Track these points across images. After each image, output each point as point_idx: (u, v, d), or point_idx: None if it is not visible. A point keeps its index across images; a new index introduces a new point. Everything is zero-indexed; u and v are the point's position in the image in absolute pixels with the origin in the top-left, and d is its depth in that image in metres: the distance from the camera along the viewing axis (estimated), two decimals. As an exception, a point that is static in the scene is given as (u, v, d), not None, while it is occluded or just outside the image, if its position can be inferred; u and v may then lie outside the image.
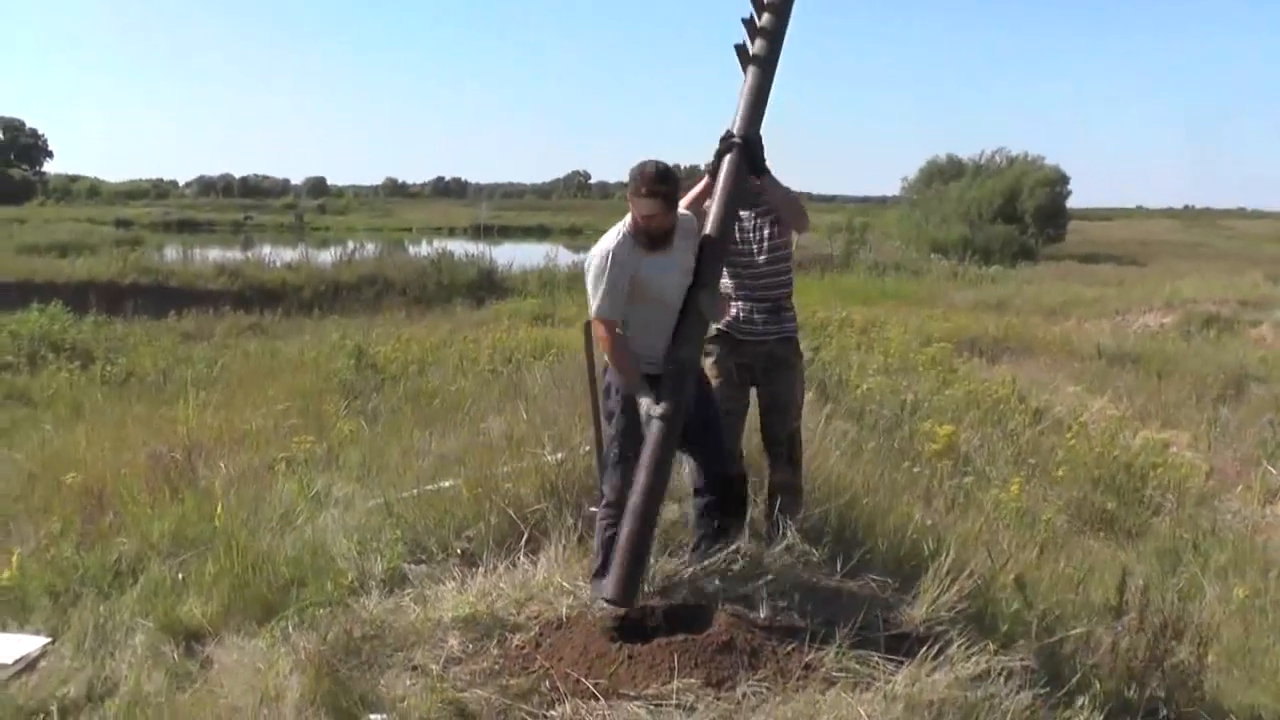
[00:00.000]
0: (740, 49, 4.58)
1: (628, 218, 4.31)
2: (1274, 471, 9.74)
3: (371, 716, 3.51)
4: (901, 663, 3.54)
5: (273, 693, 3.68)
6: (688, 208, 4.57)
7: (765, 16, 4.58)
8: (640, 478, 4.05)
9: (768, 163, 4.61)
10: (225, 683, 3.97)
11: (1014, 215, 51.58)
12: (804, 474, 5.16)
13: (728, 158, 4.49)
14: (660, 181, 4.14)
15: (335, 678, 3.60)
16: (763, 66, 4.55)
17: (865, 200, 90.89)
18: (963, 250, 42.59)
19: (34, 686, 4.35)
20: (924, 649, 3.54)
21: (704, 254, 4.37)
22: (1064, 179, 54.31)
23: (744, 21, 4.60)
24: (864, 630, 3.79)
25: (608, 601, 3.96)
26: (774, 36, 4.57)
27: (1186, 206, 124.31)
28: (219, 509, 5.45)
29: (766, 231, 4.88)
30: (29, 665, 4.57)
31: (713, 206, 4.49)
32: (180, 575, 5.12)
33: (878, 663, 3.55)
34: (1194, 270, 35.79)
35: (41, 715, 4.03)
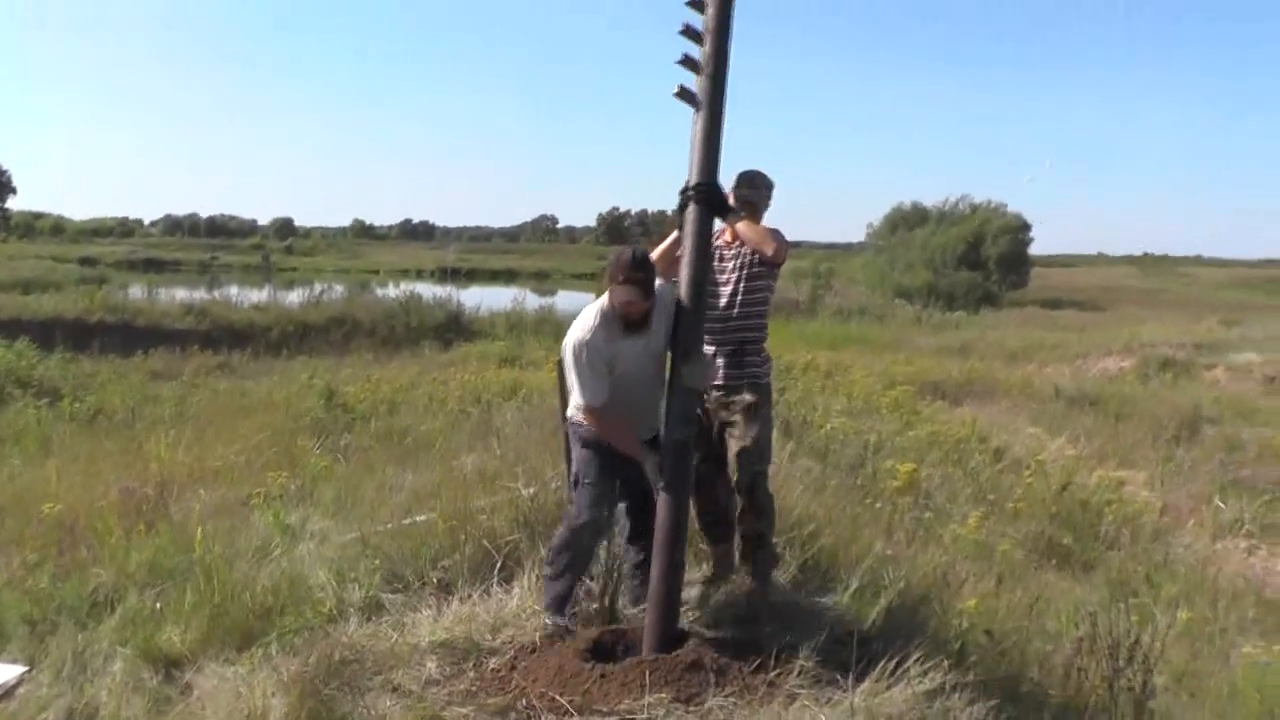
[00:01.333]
0: (683, 93, 4.37)
1: (604, 299, 4.37)
2: (1223, 508, 10.00)
3: None
4: (861, 679, 3.70)
5: (257, 713, 3.78)
6: (658, 260, 4.54)
7: (707, 59, 4.34)
8: (655, 562, 4.11)
9: (732, 204, 4.53)
10: (207, 706, 4.06)
11: (978, 262, 52.32)
12: (770, 522, 4.86)
13: (689, 212, 4.32)
14: (637, 269, 4.19)
15: (318, 698, 3.72)
16: (710, 109, 4.32)
17: (831, 246, 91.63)
18: (927, 296, 43.26)
19: (13, 713, 4.40)
20: (882, 664, 3.71)
21: (680, 323, 4.29)
22: (1026, 226, 55.26)
23: (681, 63, 4.37)
24: (826, 650, 3.95)
25: None
26: (716, 78, 4.33)
27: (1146, 254, 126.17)
28: (198, 538, 5.53)
29: (735, 275, 4.80)
30: (7, 693, 4.62)
31: (682, 270, 4.33)
32: (158, 605, 5.19)
33: (838, 679, 3.71)
34: (1153, 316, 36.50)
35: (23, 739, 4.12)
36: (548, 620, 4.42)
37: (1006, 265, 53.14)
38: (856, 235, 64.34)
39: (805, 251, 76.80)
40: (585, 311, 4.44)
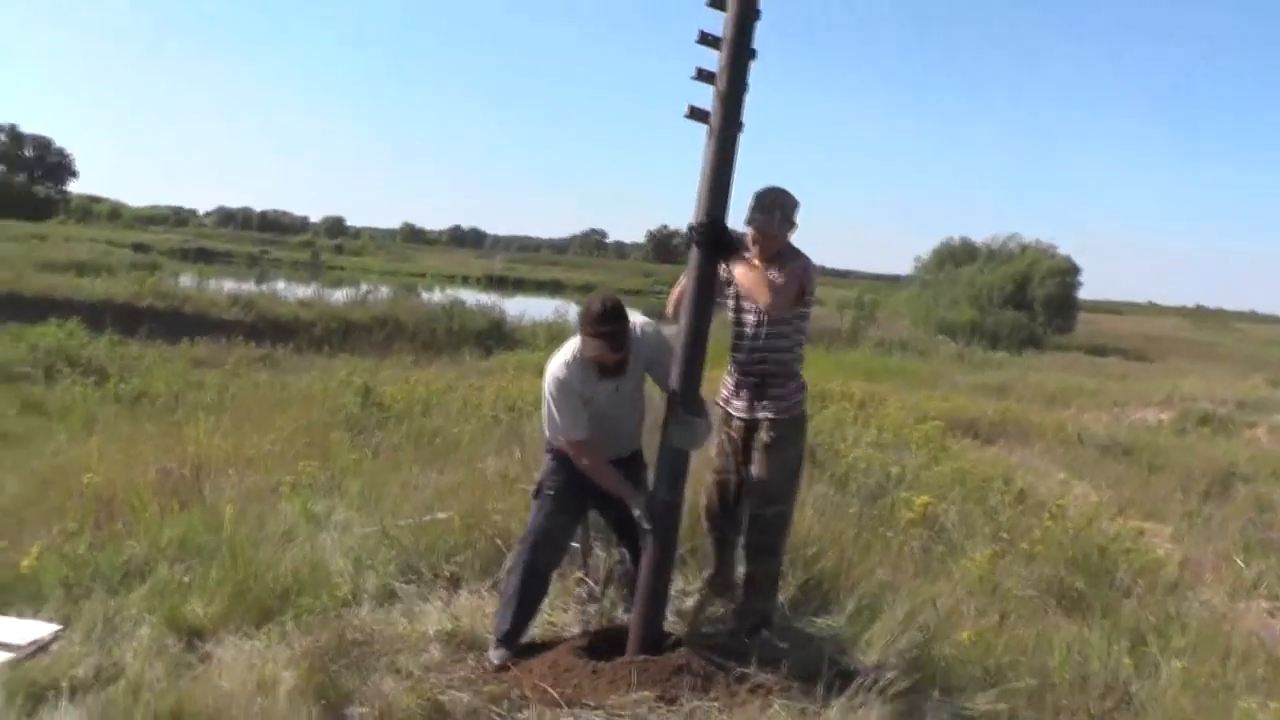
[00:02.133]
0: (694, 113, 4.11)
1: (578, 340, 4.34)
2: (1244, 566, 9.99)
3: None
4: (841, 693, 3.85)
5: (268, 682, 4.00)
6: (679, 296, 4.45)
7: (721, 70, 4.05)
8: (634, 616, 4.17)
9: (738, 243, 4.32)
10: (223, 673, 4.28)
11: (1024, 302, 51.99)
12: (773, 570, 4.69)
13: (691, 254, 4.14)
14: (603, 321, 4.12)
15: (326, 673, 3.94)
16: (721, 134, 4.04)
17: (878, 277, 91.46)
18: (970, 334, 43.04)
19: (46, 666, 4.65)
20: (860, 679, 3.86)
21: (675, 376, 4.21)
22: (1075, 269, 54.76)
23: (696, 78, 4.10)
24: (812, 665, 4.11)
25: None
26: (730, 97, 4.03)
27: (1198, 305, 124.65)
28: (227, 519, 5.79)
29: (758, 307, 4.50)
30: (42, 648, 4.89)
31: (681, 318, 4.21)
32: (186, 578, 5.45)
33: (819, 693, 3.86)
34: (1199, 369, 36.10)
35: (53, 691, 4.35)
36: (491, 654, 4.32)
37: (1053, 308, 52.75)
38: (904, 267, 64.06)
39: (851, 282, 76.75)
40: (565, 347, 4.43)
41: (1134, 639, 7.47)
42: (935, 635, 5.06)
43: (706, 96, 4.16)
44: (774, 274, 4.42)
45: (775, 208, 4.47)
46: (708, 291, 4.21)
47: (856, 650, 4.54)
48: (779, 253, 4.51)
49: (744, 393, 4.66)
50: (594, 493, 4.52)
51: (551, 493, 4.51)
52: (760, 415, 4.60)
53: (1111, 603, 8.49)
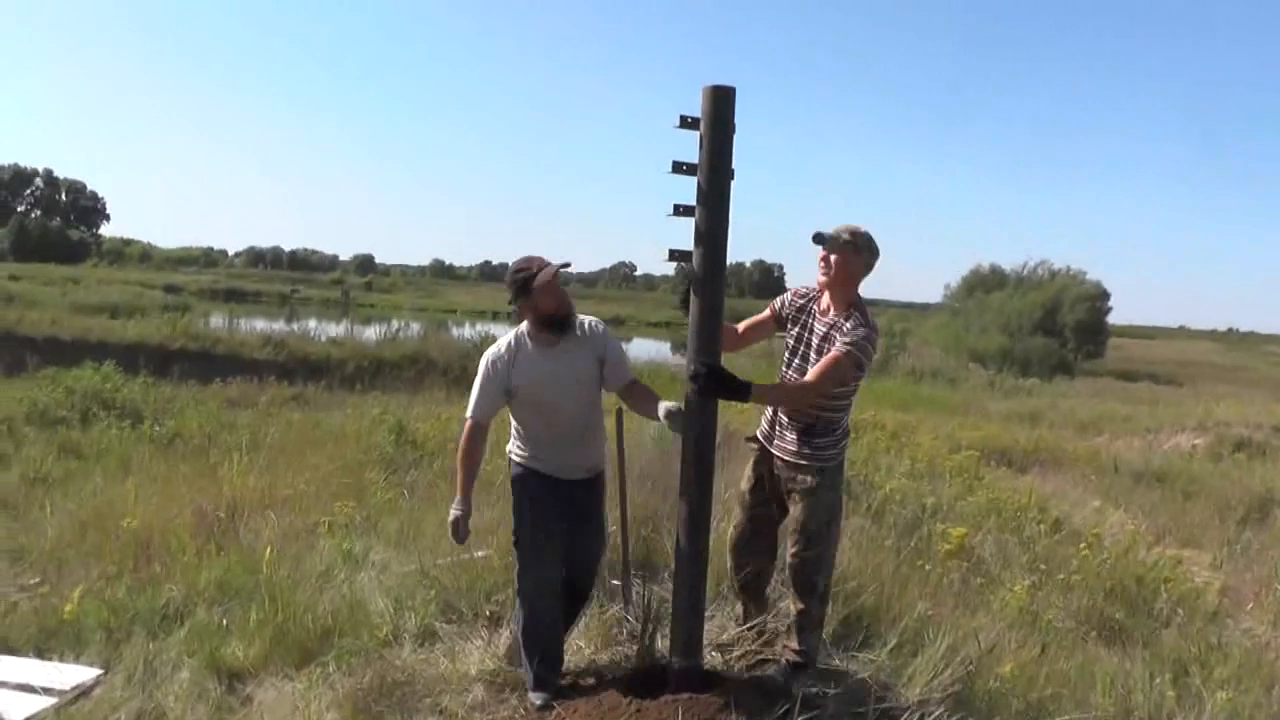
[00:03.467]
0: (676, 255, 3.97)
1: (523, 325, 4.41)
2: (1287, 594, 9.85)
3: None
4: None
5: (311, 724, 4.01)
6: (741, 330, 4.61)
7: (696, 255, 3.94)
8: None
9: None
10: (265, 716, 4.31)
11: (1054, 329, 51.81)
12: (817, 611, 4.50)
13: (688, 391, 4.02)
14: (524, 267, 4.25)
15: (369, 714, 3.95)
16: (705, 296, 3.95)
17: (908, 305, 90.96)
18: (1001, 361, 42.85)
19: (89, 711, 4.70)
20: (907, 715, 3.83)
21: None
22: (1105, 295, 54.73)
23: (675, 214, 3.96)
24: (856, 703, 4.08)
25: None
26: (712, 263, 3.90)
27: (1231, 329, 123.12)
28: (265, 560, 5.82)
29: (817, 356, 4.37)
30: (84, 693, 4.93)
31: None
32: (224, 621, 5.50)
33: (865, 730, 3.83)
34: (1232, 393, 35.71)
35: (96, 736, 4.40)
36: (531, 696, 4.31)
37: (1083, 334, 52.57)
38: (933, 295, 64.00)
39: (880, 309, 76.61)
40: (505, 335, 4.51)
41: (1176, 670, 7.38)
42: (978, 669, 5.01)
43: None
44: (838, 336, 4.31)
45: (863, 249, 4.37)
46: (711, 413, 4.10)
47: (899, 685, 4.50)
48: (846, 308, 4.38)
49: (789, 435, 4.49)
50: (564, 523, 4.48)
51: (525, 534, 4.52)
52: (804, 461, 4.43)
53: (1152, 633, 8.40)
